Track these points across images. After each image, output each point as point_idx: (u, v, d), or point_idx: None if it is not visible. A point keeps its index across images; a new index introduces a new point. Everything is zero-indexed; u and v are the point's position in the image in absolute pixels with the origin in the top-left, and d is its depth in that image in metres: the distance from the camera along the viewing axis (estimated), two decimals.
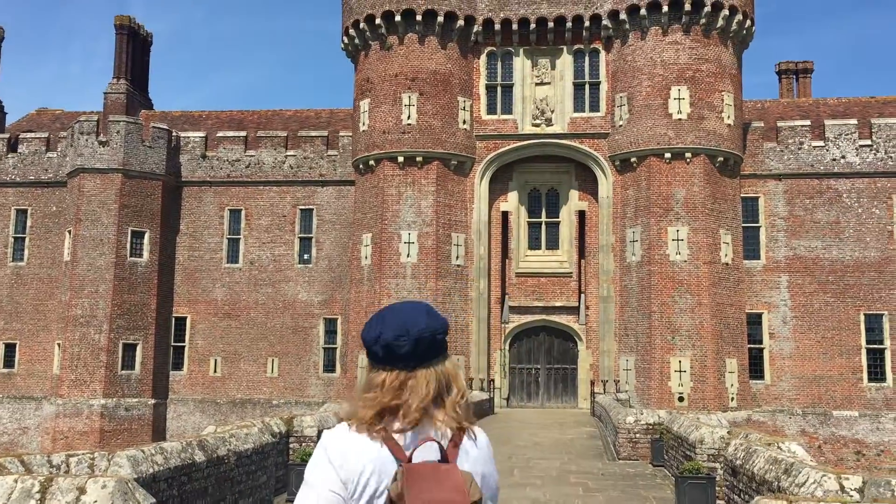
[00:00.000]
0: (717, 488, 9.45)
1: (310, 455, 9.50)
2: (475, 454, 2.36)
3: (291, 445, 10.85)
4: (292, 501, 9.70)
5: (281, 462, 10.34)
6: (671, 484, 12.02)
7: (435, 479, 2.18)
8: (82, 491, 4.93)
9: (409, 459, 2.23)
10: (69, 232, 36.26)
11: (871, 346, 33.20)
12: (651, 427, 14.84)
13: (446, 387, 2.34)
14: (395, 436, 2.27)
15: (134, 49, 41.34)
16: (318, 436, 11.03)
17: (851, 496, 5.54)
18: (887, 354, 33.07)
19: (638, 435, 14.93)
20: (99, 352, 34.76)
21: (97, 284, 35.31)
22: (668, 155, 31.77)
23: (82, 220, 35.66)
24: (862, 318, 33.41)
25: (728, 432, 10.46)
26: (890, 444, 32.21)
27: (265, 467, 8.95)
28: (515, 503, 9.78)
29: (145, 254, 36.38)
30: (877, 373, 33.03)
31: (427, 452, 2.25)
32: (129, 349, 35.47)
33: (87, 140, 36.07)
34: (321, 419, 11.45)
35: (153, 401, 35.74)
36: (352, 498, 2.21)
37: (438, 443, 2.27)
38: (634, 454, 14.99)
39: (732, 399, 31.18)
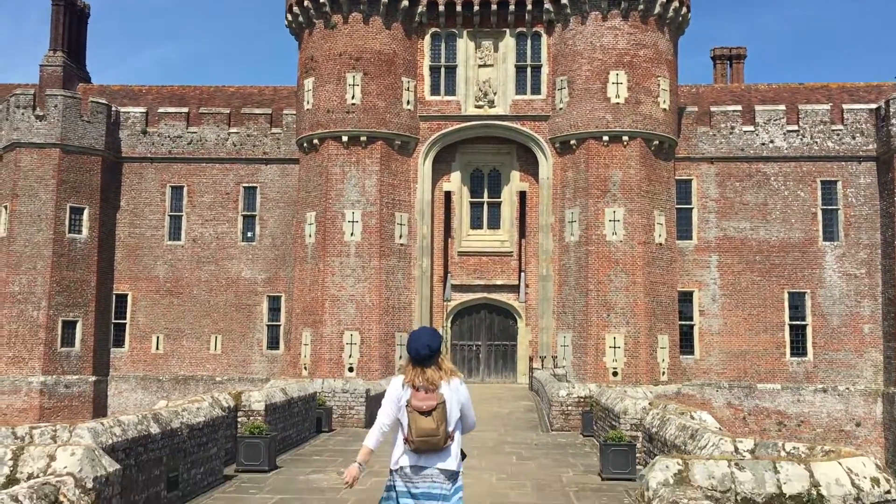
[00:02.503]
0: (636, 454, 10.27)
1: (257, 427, 9.95)
2: (452, 386, 5.42)
3: (240, 419, 11.32)
4: (241, 471, 10.21)
5: (230, 435, 10.80)
6: (598, 452, 12.86)
7: (422, 396, 5.29)
8: (52, 458, 5.39)
9: (416, 389, 5.33)
10: (5, 207, 35.64)
11: (794, 323, 34.90)
12: (582, 400, 15.70)
13: (438, 366, 5.45)
14: (409, 381, 5.43)
15: (70, 20, 40.53)
16: (265, 410, 11.53)
17: (743, 456, 6.31)
18: (808, 330, 34.81)
19: (570, 407, 15.78)
20: (37, 329, 34.40)
21: (35, 261, 34.86)
22: (605, 138, 32.71)
23: (19, 196, 35.09)
24: (786, 295, 35.06)
25: (649, 403, 11.30)
26: (809, 415, 34.03)
27: (215, 439, 9.41)
28: None
29: (84, 230, 35.99)
30: (799, 348, 34.76)
31: (423, 388, 5.34)
32: (69, 326, 35.17)
33: (23, 114, 35.39)
34: (268, 394, 11.93)
35: (94, 378, 35.56)
36: (398, 404, 5.40)
37: (427, 387, 5.34)
38: (567, 426, 15.84)
39: (663, 373, 32.53)
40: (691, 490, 4.91)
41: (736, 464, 5.22)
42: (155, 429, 7.78)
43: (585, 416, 14.96)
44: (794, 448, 6.23)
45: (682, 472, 5.13)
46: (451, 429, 5.28)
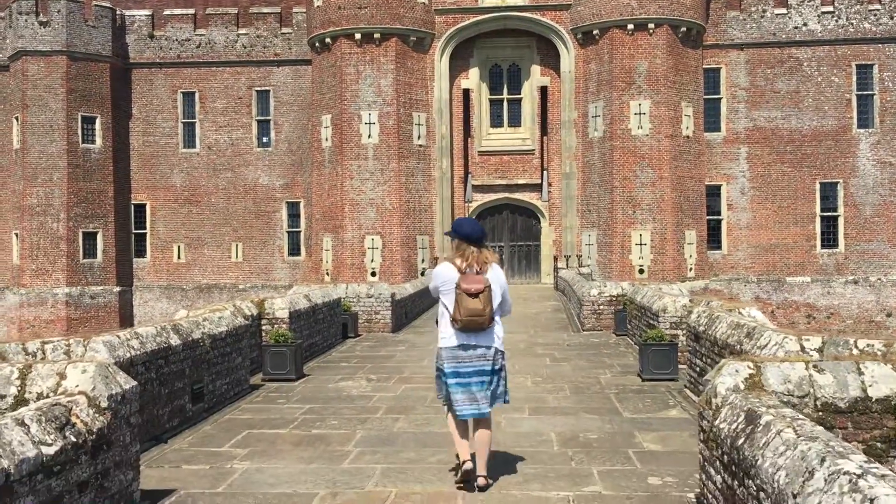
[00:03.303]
0: (678, 354, 9.82)
1: (282, 335, 9.55)
2: (495, 272, 5.66)
3: (264, 327, 10.95)
4: (268, 380, 9.90)
5: (255, 343, 10.45)
6: (634, 352, 12.46)
7: (472, 278, 5.55)
8: (62, 376, 4.96)
9: (464, 273, 5.58)
10: (17, 118, 35.04)
11: (826, 214, 34.06)
12: (614, 299, 15.24)
13: (480, 253, 5.66)
14: (460, 265, 5.65)
15: None
16: (290, 317, 11.16)
17: (812, 356, 5.79)
18: (840, 221, 33.99)
19: (602, 307, 15.35)
20: (58, 241, 34.33)
21: (51, 172, 34.48)
22: (630, 26, 31.23)
23: (29, 106, 34.41)
24: (818, 186, 34.11)
25: (690, 300, 10.79)
26: (839, 307, 33.60)
27: (240, 349, 9.04)
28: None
29: (98, 140, 35.41)
30: (829, 239, 34.04)
31: (472, 272, 5.60)
32: (90, 237, 35.07)
33: (26, 20, 34.32)
34: (292, 301, 11.52)
35: (118, 288, 35.68)
36: (443, 286, 5.62)
37: (477, 269, 5.62)
38: (598, 325, 15.45)
39: (691, 269, 32.04)
40: (766, 396, 4.40)
41: (814, 365, 4.69)
42: (175, 340, 7.38)
43: (618, 314, 14.52)
44: (867, 346, 5.69)
45: (753, 375, 4.61)
46: (494, 312, 5.63)
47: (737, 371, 4.62)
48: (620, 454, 6.37)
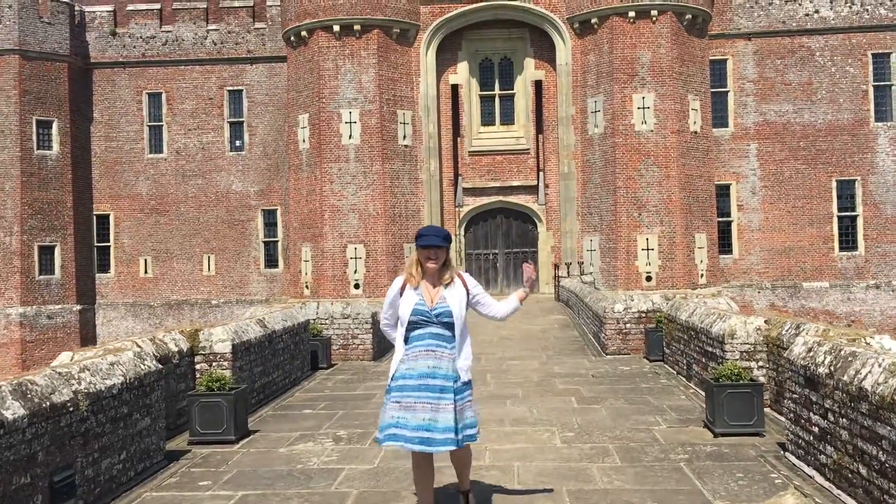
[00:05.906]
0: (763, 396, 7.17)
1: (218, 380, 6.83)
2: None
3: (199, 366, 8.23)
4: (197, 442, 7.16)
5: (182, 390, 7.73)
6: (680, 385, 9.81)
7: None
8: None
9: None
10: None
11: (843, 214, 31.65)
12: (644, 315, 12.58)
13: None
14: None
15: None
16: (233, 352, 8.41)
17: None
18: (859, 222, 31.58)
19: (629, 325, 12.65)
20: (11, 256, 31.42)
21: (2, 181, 31.65)
22: (632, 14, 28.73)
23: None
24: (834, 184, 31.73)
25: (766, 322, 8.14)
26: (861, 314, 31.14)
27: (148, 406, 6.31)
28: (496, 427, 7.42)
29: (55, 146, 32.58)
30: (848, 241, 31.62)
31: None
32: (46, 252, 32.17)
33: None
34: (238, 330, 8.74)
35: (79, 307, 32.77)
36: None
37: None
38: (625, 348, 12.76)
39: (702, 276, 29.49)
40: None
41: None
42: (15, 411, 4.63)
43: (651, 335, 11.87)
44: None
45: None
46: None
47: None
48: None
